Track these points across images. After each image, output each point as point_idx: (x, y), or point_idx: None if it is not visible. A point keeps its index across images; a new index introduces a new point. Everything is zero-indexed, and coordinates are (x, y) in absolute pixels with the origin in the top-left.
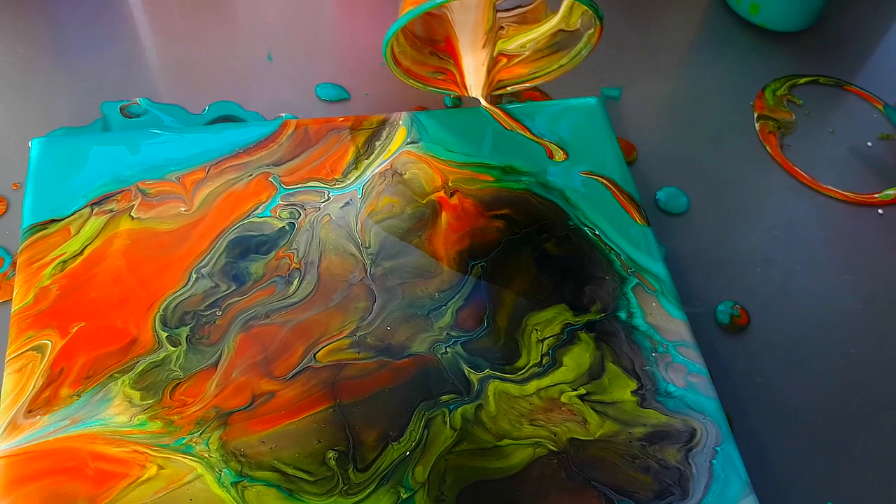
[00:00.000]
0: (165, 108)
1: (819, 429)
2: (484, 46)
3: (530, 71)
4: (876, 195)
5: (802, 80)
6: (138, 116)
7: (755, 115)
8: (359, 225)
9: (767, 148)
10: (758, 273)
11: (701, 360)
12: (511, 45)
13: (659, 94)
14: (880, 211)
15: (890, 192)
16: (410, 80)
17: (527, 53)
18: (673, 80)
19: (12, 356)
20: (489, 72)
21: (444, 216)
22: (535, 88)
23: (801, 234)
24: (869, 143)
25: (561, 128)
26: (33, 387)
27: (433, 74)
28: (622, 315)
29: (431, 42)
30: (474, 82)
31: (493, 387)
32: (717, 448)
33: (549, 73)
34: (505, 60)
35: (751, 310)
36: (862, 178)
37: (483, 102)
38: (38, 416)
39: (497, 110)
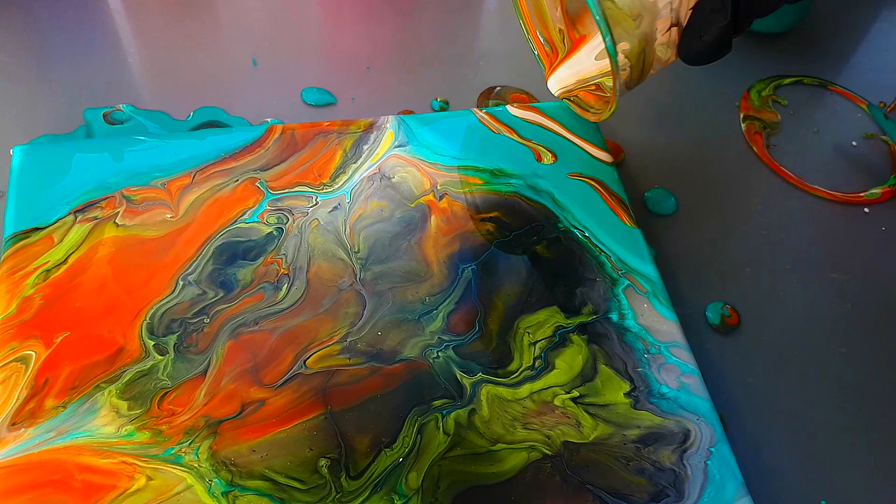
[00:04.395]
0: (149, 115)
1: (811, 428)
2: (599, 69)
3: (592, 104)
4: (862, 194)
5: (787, 81)
6: (122, 123)
7: (741, 115)
8: (347, 229)
9: (754, 148)
10: (747, 273)
11: (693, 361)
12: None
13: (645, 95)
14: (866, 209)
15: (875, 190)
16: (517, 4)
17: (607, 94)
18: (659, 82)
19: None
20: (578, 84)
21: (433, 219)
22: (522, 91)
23: (788, 233)
24: (854, 143)
25: (548, 130)
26: (17, 398)
27: (541, 35)
28: (614, 317)
29: (571, 21)
30: (563, 76)
31: (485, 391)
32: (712, 449)
33: (592, 114)
34: (594, 87)
35: (741, 310)
36: (847, 178)
37: (553, 91)
38: (23, 429)
39: (570, 103)
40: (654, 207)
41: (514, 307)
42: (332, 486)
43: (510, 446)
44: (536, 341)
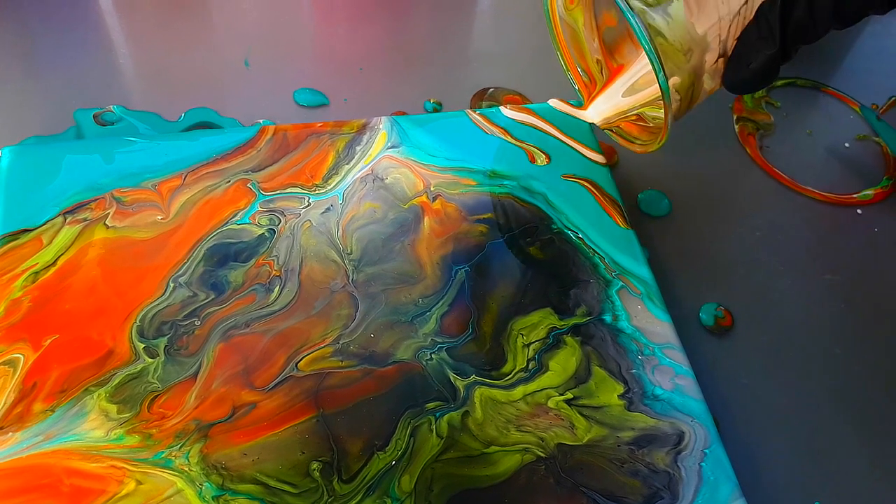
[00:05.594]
0: (140, 116)
1: (806, 429)
2: (640, 100)
3: (636, 136)
4: (855, 195)
5: (780, 83)
6: (112, 124)
7: (734, 117)
8: (340, 231)
9: (747, 150)
10: (741, 274)
11: (687, 363)
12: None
13: None
14: (859, 211)
15: (868, 191)
16: (554, 36)
17: (650, 125)
18: None
19: None
20: (619, 115)
21: (426, 221)
22: (515, 93)
23: (782, 234)
24: (846, 145)
25: (542, 131)
26: (4, 402)
27: (579, 65)
28: (607, 318)
29: (608, 51)
30: (603, 108)
31: (479, 393)
32: (706, 450)
33: (638, 146)
34: (634, 117)
35: (735, 311)
36: (840, 179)
37: (594, 121)
38: (10, 433)
39: (612, 134)
40: (648, 209)
41: (508, 309)
42: (325, 490)
43: (504, 448)
44: (530, 343)
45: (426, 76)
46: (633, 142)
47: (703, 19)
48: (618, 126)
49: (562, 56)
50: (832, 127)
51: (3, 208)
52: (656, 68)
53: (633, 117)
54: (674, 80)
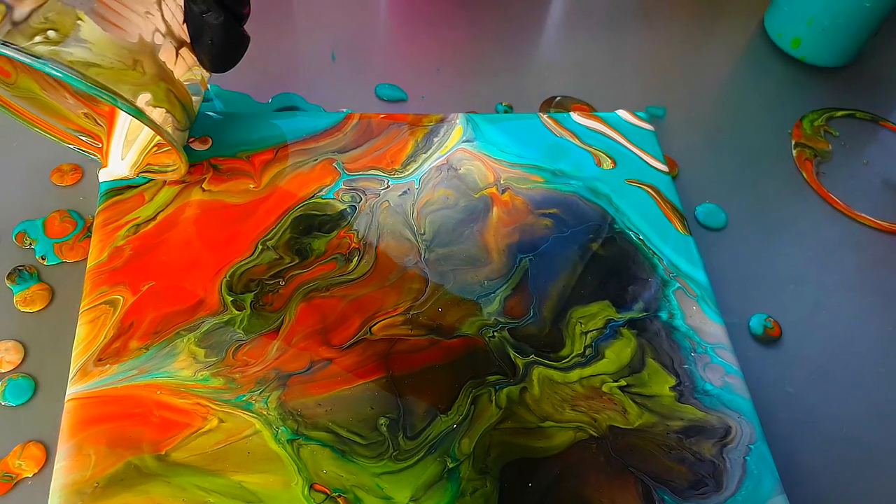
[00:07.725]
0: (233, 96)
1: (846, 439)
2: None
3: (167, 162)
4: None
5: (839, 113)
6: (208, 101)
7: (792, 142)
8: (415, 213)
9: (803, 174)
10: (791, 290)
11: (737, 363)
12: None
13: (701, 115)
14: None
15: None
16: (20, 117)
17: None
18: (715, 104)
19: (86, 308)
20: (143, 153)
21: (495, 211)
22: (582, 102)
23: (833, 256)
24: None
25: (609, 137)
26: (104, 337)
27: (70, 130)
28: (663, 315)
29: (88, 99)
30: (125, 159)
31: (537, 372)
32: (752, 446)
33: (171, 172)
34: (156, 148)
35: (783, 323)
36: (894, 208)
37: (127, 174)
38: (108, 365)
39: (150, 174)
40: (706, 220)
41: (568, 298)
42: (390, 444)
43: (558, 424)
44: (588, 331)
45: (498, 81)
46: (166, 171)
47: (128, 24)
48: (148, 164)
49: (47, 132)
50: (889, 159)
51: None
52: (109, 98)
53: (155, 148)
54: (145, 98)
